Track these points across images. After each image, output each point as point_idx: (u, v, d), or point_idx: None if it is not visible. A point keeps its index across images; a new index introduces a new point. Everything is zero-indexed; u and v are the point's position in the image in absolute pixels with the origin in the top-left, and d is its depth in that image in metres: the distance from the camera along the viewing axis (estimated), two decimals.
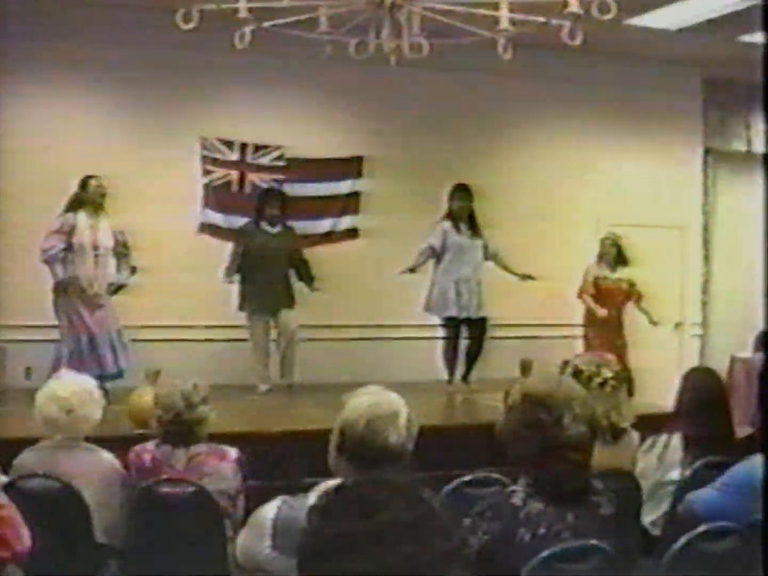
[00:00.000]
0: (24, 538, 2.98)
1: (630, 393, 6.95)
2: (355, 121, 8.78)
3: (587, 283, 8.52)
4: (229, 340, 8.14)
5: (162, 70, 8.07)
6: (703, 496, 3.50)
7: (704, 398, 4.25)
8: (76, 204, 7.13)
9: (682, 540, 3.01)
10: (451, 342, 7.93)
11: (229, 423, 5.36)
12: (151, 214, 7.63)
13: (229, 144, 8.49)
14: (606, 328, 8.36)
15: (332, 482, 2.71)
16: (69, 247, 6.99)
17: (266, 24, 5.29)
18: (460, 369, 7.97)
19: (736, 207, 10.04)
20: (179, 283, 7.89)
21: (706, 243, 10.19)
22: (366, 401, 2.77)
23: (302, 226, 8.28)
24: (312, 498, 2.60)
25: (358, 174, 8.83)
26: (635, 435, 4.49)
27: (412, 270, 7.63)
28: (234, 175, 8.51)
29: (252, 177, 8.55)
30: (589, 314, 8.52)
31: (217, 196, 8.47)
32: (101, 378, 5.71)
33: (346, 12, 5.36)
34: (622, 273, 8.56)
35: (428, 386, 7.65)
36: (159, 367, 5.63)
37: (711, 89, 9.98)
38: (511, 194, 8.99)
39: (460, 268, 7.78)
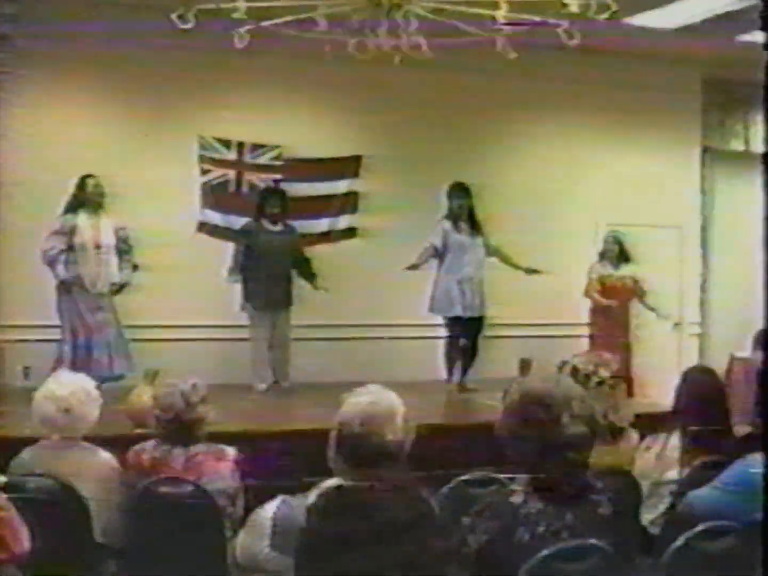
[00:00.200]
0: (23, 539, 2.98)
1: (630, 393, 6.97)
2: (352, 120, 8.77)
3: (592, 282, 8.54)
4: (227, 340, 8.14)
5: (160, 69, 8.06)
6: (701, 495, 3.50)
7: (703, 397, 4.25)
8: (75, 204, 7.14)
9: (681, 539, 3.01)
10: (455, 342, 7.92)
11: (229, 422, 5.35)
12: (149, 214, 7.64)
13: (226, 143, 8.48)
14: (612, 327, 8.37)
15: (331, 482, 2.71)
16: (71, 248, 7.00)
17: (264, 23, 5.29)
18: (458, 369, 7.97)
19: (734, 206, 10.04)
20: (177, 282, 7.89)
21: (705, 242, 10.20)
22: (362, 400, 2.77)
23: (300, 226, 8.27)
24: (311, 497, 2.60)
25: (356, 173, 8.81)
26: (634, 434, 4.49)
27: (415, 267, 7.63)
28: (231, 174, 8.51)
29: (249, 176, 8.55)
30: (595, 313, 8.54)
31: (215, 196, 8.46)
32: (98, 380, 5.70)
33: (344, 11, 5.36)
34: (626, 270, 8.59)
35: (427, 386, 7.65)
36: (158, 366, 5.64)
37: (710, 89, 9.99)
38: (509, 193, 8.99)
39: (462, 267, 7.78)
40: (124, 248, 7.25)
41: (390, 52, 5.45)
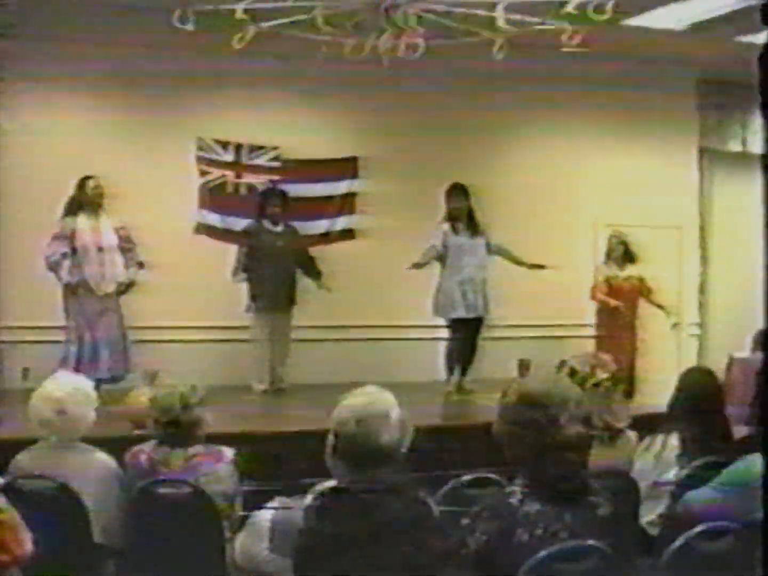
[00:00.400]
0: (25, 541, 2.97)
1: (630, 394, 6.97)
2: (351, 121, 8.78)
3: (598, 283, 8.52)
4: (226, 341, 8.14)
5: (159, 70, 8.05)
6: (700, 495, 3.50)
7: (701, 398, 4.26)
8: (74, 206, 7.13)
9: (680, 540, 3.01)
10: (457, 343, 7.91)
11: (227, 424, 5.35)
12: (147, 215, 7.61)
13: (224, 144, 8.47)
14: (619, 328, 8.36)
15: (329, 483, 2.72)
16: (73, 251, 7.00)
17: (263, 24, 5.29)
18: (457, 370, 7.96)
19: (732, 207, 10.04)
20: (176, 284, 7.88)
21: (703, 243, 10.20)
22: (358, 401, 2.77)
23: (299, 227, 8.28)
24: (309, 499, 2.60)
25: (354, 174, 8.80)
26: (633, 435, 4.49)
27: (418, 266, 7.61)
28: (230, 175, 8.51)
29: (248, 178, 8.54)
30: (602, 315, 8.53)
31: (213, 197, 8.44)
32: (97, 381, 5.70)
33: (342, 13, 5.36)
34: (631, 270, 8.57)
35: (427, 386, 7.64)
36: (157, 368, 5.64)
37: (707, 89, 9.99)
38: (507, 194, 8.97)
39: (463, 268, 7.75)
40: (127, 246, 7.25)
41: (387, 53, 5.45)
